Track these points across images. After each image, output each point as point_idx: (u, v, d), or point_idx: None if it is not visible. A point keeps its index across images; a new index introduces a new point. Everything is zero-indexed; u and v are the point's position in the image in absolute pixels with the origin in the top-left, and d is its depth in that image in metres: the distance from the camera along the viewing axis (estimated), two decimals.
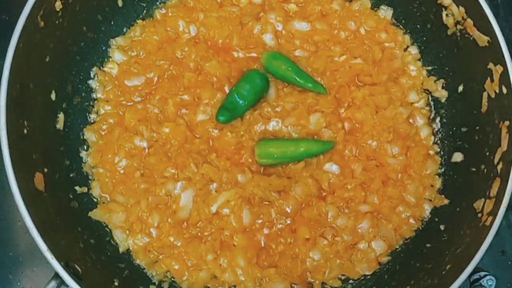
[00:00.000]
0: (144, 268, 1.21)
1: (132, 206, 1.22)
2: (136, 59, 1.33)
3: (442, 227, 1.22)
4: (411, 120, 1.33)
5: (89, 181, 1.25)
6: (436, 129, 1.34)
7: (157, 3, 1.39)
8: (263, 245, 1.21)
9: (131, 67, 1.32)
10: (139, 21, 1.37)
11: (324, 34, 1.36)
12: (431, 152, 1.32)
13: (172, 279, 1.21)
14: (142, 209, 1.21)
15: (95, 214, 1.21)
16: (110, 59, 1.33)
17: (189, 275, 1.19)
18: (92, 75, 1.31)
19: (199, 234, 1.21)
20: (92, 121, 1.29)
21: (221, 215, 1.21)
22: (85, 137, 1.27)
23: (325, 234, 1.21)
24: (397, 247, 1.25)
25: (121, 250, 1.21)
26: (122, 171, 1.24)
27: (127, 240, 1.21)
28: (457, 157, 1.27)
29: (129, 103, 1.30)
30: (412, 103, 1.34)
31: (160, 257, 1.21)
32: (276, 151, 1.22)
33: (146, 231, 1.21)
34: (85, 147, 1.26)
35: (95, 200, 1.24)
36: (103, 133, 1.27)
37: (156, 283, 1.19)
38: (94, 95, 1.30)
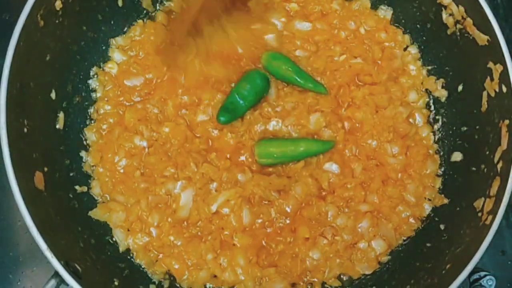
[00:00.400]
0: (144, 268, 1.21)
1: (132, 206, 1.22)
2: (135, 59, 1.33)
3: (442, 227, 1.22)
4: (411, 120, 1.33)
5: (89, 181, 1.24)
6: (436, 128, 1.34)
7: (157, 4, 1.39)
8: (263, 245, 1.21)
9: (130, 67, 1.32)
10: (139, 21, 1.37)
11: (324, 34, 1.36)
12: (431, 151, 1.32)
13: (172, 278, 1.20)
14: (142, 209, 1.21)
15: (95, 214, 1.20)
16: (110, 58, 1.33)
17: (189, 275, 1.19)
18: (92, 75, 1.31)
19: (199, 233, 1.21)
20: (92, 120, 1.29)
21: (221, 214, 1.21)
22: (85, 137, 1.27)
23: (325, 233, 1.21)
24: (397, 246, 1.25)
25: (121, 249, 1.21)
26: (122, 171, 1.24)
27: (127, 240, 1.20)
28: (457, 156, 1.27)
29: (128, 103, 1.30)
30: (412, 102, 1.34)
31: (160, 256, 1.20)
32: (276, 151, 1.22)
33: (146, 231, 1.21)
34: (85, 146, 1.26)
35: (95, 199, 1.24)
36: (103, 132, 1.27)
37: (156, 283, 1.19)
38: (94, 95, 1.30)
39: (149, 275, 1.20)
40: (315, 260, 1.20)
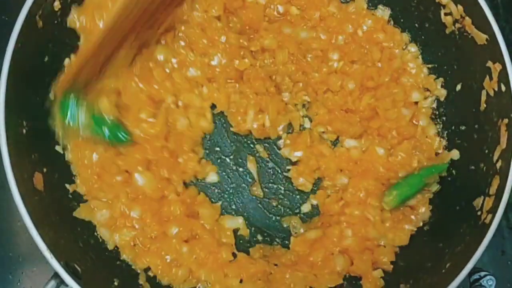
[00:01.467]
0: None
1: (113, 201, 1.17)
2: None
3: (441, 226, 1.22)
4: (414, 121, 1.32)
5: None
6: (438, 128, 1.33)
7: None
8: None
9: None
10: None
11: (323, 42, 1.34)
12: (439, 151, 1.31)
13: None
14: (123, 202, 1.17)
15: (78, 213, 1.16)
16: None
17: (169, 271, 1.17)
18: None
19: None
20: None
21: None
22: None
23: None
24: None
25: (109, 247, 1.17)
26: (97, 167, 1.18)
27: (113, 236, 1.17)
28: (454, 154, 1.27)
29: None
30: (415, 102, 1.33)
31: (144, 249, 1.17)
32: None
33: (130, 225, 1.17)
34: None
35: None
36: None
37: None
38: None
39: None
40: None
